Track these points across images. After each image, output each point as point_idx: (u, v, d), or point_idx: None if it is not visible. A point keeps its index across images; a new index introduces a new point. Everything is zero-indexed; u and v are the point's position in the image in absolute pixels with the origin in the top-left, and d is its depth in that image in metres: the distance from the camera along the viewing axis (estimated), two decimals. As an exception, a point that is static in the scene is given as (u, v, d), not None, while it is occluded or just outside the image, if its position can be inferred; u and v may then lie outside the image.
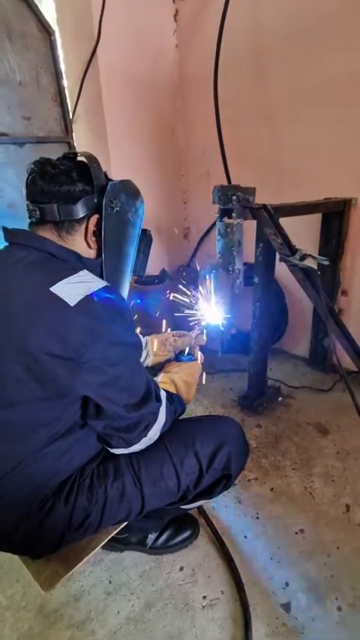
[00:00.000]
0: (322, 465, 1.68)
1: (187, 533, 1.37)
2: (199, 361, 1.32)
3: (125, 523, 1.07)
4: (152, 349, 1.35)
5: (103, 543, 1.03)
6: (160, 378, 1.16)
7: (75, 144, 2.31)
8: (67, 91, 2.20)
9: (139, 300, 2.50)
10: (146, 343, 1.35)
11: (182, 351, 1.33)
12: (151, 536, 1.33)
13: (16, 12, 1.86)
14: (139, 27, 2.35)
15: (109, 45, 2.23)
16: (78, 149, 2.36)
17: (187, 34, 2.49)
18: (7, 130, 1.99)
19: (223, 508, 1.51)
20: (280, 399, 2.13)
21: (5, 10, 1.83)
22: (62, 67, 2.15)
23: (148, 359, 1.35)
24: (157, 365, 1.33)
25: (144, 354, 1.34)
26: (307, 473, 1.65)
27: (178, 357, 1.32)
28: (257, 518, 1.47)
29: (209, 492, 1.11)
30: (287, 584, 1.24)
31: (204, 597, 1.22)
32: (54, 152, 2.09)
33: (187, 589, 1.24)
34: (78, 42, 2.32)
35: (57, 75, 2.09)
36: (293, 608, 1.17)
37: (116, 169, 2.41)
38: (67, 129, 2.20)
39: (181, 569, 1.30)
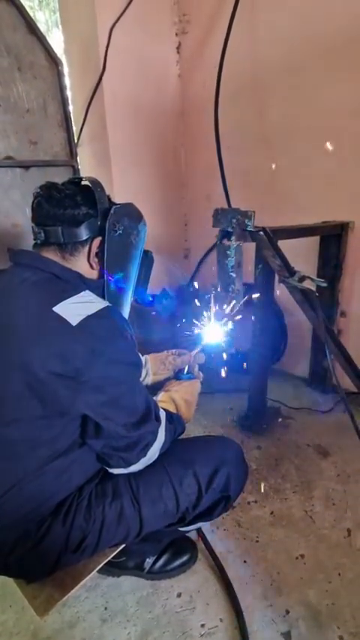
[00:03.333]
0: (323, 488, 1.66)
1: (185, 557, 1.34)
2: (199, 380, 1.32)
3: (123, 546, 1.05)
4: (151, 368, 1.36)
5: (100, 566, 1.01)
6: (159, 397, 1.16)
7: (79, 167, 2.37)
8: (72, 117, 2.28)
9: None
10: (145, 362, 1.36)
11: (182, 370, 1.33)
12: (149, 560, 1.30)
13: (26, 44, 1.95)
14: (143, 58, 2.45)
15: (114, 75, 2.32)
16: (82, 173, 2.42)
17: (189, 65, 2.60)
18: (14, 154, 2.06)
19: (222, 531, 1.48)
20: (279, 419, 2.11)
21: (16, 43, 1.92)
22: (68, 94, 2.23)
23: (147, 378, 1.35)
24: (157, 384, 1.33)
25: (143, 372, 1.34)
26: (308, 496, 1.62)
27: (178, 375, 1.32)
28: (257, 541, 1.44)
29: (208, 514, 1.10)
30: (287, 611, 1.21)
31: (202, 625, 1.18)
32: (59, 175, 2.18)
33: (185, 616, 1.21)
34: (84, 72, 2.42)
35: (63, 102, 2.17)
36: (294, 638, 1.14)
37: (119, 193, 2.46)
38: (72, 153, 2.27)
39: (179, 595, 1.27)
